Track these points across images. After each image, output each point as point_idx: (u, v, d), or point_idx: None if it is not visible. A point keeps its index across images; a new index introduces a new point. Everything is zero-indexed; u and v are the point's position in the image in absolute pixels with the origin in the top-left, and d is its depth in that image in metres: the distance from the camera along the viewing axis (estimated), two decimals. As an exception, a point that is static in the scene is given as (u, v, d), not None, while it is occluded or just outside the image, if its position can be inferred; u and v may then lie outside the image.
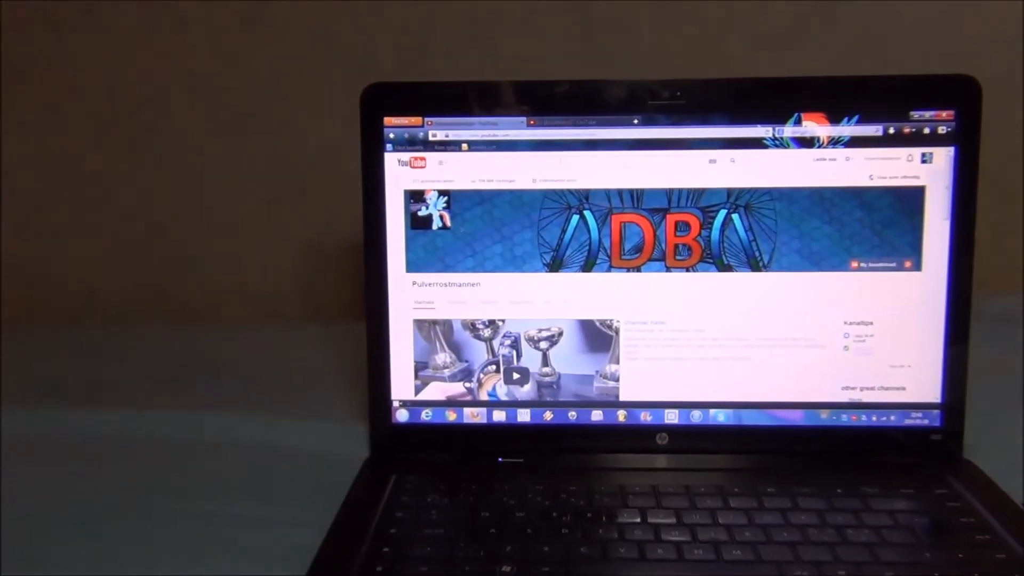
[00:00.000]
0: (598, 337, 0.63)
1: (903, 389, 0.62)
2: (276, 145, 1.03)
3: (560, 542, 0.51)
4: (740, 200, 0.61)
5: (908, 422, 0.62)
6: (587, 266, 0.62)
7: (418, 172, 0.62)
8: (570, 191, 0.62)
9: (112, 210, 1.06)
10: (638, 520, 0.53)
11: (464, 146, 0.62)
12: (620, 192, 0.61)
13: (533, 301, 0.63)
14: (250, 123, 1.03)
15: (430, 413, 0.64)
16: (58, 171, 1.05)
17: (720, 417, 0.63)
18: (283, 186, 1.04)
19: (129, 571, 0.51)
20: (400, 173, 0.62)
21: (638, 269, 0.62)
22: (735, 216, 0.61)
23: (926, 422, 0.62)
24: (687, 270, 0.62)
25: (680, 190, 0.61)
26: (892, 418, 0.62)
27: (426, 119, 0.61)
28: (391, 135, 0.62)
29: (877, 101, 0.60)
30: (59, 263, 1.07)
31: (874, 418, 0.62)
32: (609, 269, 0.62)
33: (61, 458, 0.67)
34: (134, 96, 1.03)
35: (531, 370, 0.63)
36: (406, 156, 0.62)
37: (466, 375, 0.64)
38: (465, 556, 0.50)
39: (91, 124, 1.04)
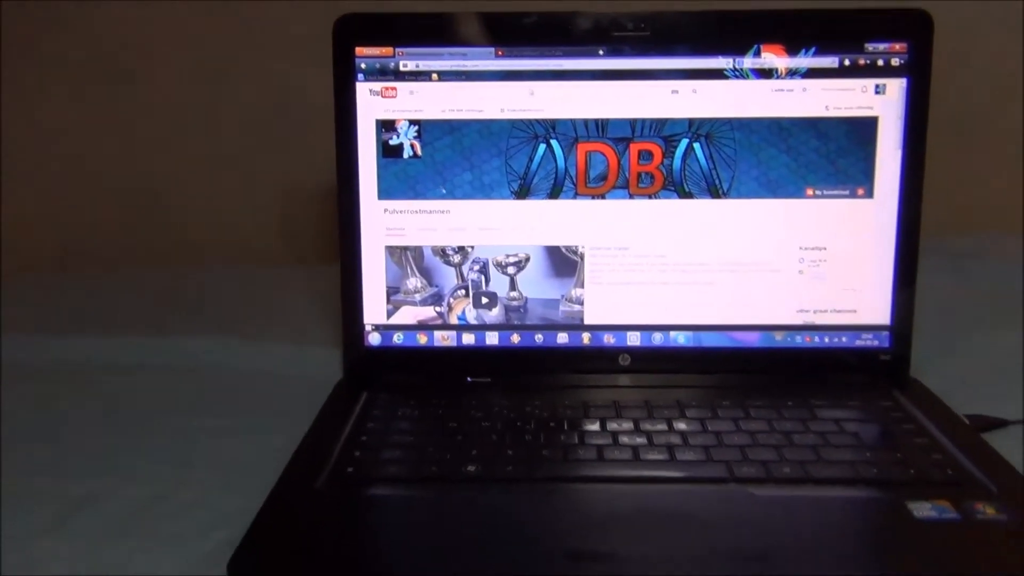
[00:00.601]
0: (564, 263, 0.65)
1: (854, 312, 0.64)
2: (252, 88, 1.04)
3: (523, 446, 0.54)
4: (701, 130, 0.63)
5: (858, 343, 0.65)
6: (553, 193, 0.64)
7: (389, 102, 0.64)
8: (537, 121, 0.64)
9: (90, 157, 1.07)
10: (598, 428, 0.56)
11: (434, 76, 0.63)
12: (586, 122, 0.64)
13: (501, 228, 0.65)
14: (225, 66, 1.04)
15: (401, 336, 0.66)
16: (35, 120, 1.06)
17: (680, 339, 0.66)
18: (260, 129, 1.05)
19: (119, 474, 0.54)
20: (371, 103, 0.64)
21: (603, 196, 0.64)
22: (696, 145, 0.63)
23: (875, 343, 0.65)
24: (650, 197, 0.64)
25: (643, 120, 0.63)
26: (843, 339, 0.65)
27: (397, 49, 0.63)
28: (362, 65, 0.64)
29: (833, 33, 0.62)
30: (38, 209, 1.08)
31: (826, 339, 0.65)
32: (575, 196, 0.64)
33: (51, 381, 0.69)
34: (110, 44, 1.03)
35: (499, 294, 0.66)
36: (377, 86, 0.64)
37: (436, 300, 0.66)
38: (433, 458, 0.52)
39: (68, 73, 1.05)
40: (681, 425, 0.56)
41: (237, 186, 1.07)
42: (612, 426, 0.56)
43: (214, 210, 1.08)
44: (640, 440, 0.54)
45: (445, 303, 0.66)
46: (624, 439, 0.54)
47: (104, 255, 1.08)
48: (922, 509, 0.46)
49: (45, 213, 1.08)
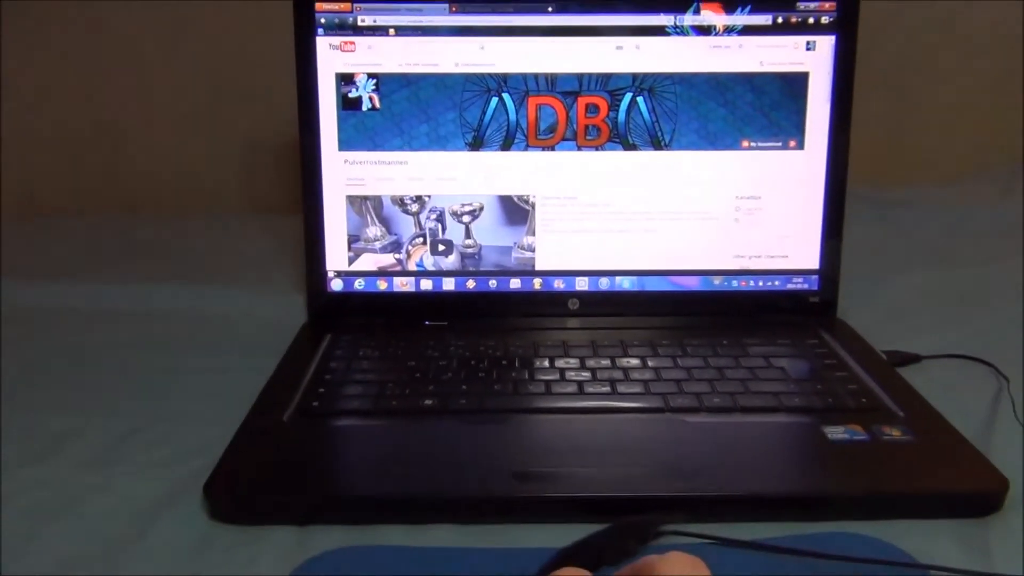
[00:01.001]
0: (516, 211, 0.69)
1: (786, 257, 0.69)
2: (216, 41, 1.05)
3: (477, 382, 0.58)
4: (644, 84, 0.67)
5: (790, 286, 0.69)
6: (505, 145, 0.68)
7: (348, 56, 0.66)
8: (489, 75, 0.67)
9: (53, 106, 1.07)
10: (547, 365, 0.60)
11: (391, 31, 0.66)
12: (536, 76, 0.67)
13: (456, 178, 0.68)
14: (188, 21, 1.05)
15: (363, 282, 0.70)
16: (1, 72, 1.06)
17: (625, 284, 0.70)
18: (224, 81, 1.07)
19: (92, 409, 0.57)
20: (331, 57, 0.66)
21: (552, 148, 0.68)
22: (640, 99, 0.67)
23: (805, 286, 0.69)
24: (596, 149, 0.68)
25: (590, 75, 0.67)
26: (776, 283, 0.69)
27: (355, 4, 0.66)
28: (322, 20, 0.66)
29: (768, -8, 0.66)
30: (3, 161, 1.08)
31: (760, 283, 0.69)
32: (526, 148, 0.68)
33: (18, 325, 0.71)
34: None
35: (455, 242, 0.69)
36: (336, 40, 0.66)
37: (395, 247, 0.69)
38: (392, 394, 0.56)
39: (31, 27, 1.05)
40: (623, 362, 0.61)
41: (200, 137, 1.09)
42: (560, 363, 0.60)
43: (177, 160, 1.09)
44: (585, 376, 0.58)
45: (404, 250, 0.69)
46: (571, 375, 0.59)
47: (68, 204, 1.09)
48: (836, 432, 0.51)
49: (7, 161, 1.08)
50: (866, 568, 0.40)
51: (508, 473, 0.47)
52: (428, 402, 0.55)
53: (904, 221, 0.90)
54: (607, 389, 0.57)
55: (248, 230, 0.96)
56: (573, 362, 0.60)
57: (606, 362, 0.60)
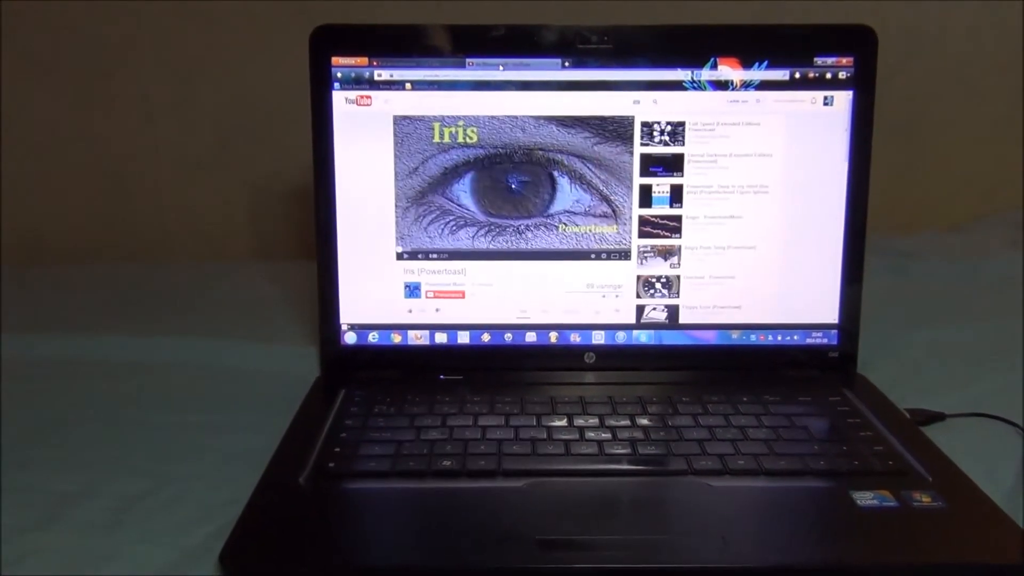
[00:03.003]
0: (532, 265, 0.68)
1: (805, 311, 0.68)
2: (225, 88, 1.06)
3: (495, 442, 0.57)
4: (661, 138, 0.67)
5: (809, 341, 0.69)
6: (522, 198, 0.67)
7: (364, 110, 0.66)
8: (506, 129, 0.66)
9: (60, 152, 1.07)
10: (565, 424, 0.59)
11: (408, 85, 0.66)
12: (552, 130, 0.66)
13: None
14: (199, 67, 1.05)
15: (376, 336, 0.69)
16: (5, 115, 1.06)
17: (642, 338, 0.69)
18: (233, 128, 1.07)
19: (99, 469, 0.56)
20: (347, 111, 0.66)
21: (568, 202, 0.67)
22: (657, 153, 0.67)
23: (824, 341, 0.69)
24: (613, 203, 0.67)
25: (607, 129, 0.66)
26: (795, 337, 0.69)
27: (372, 59, 0.66)
28: (338, 74, 0.66)
29: (784, 47, 0.66)
30: (7, 204, 1.08)
31: (779, 337, 0.69)
32: (542, 201, 0.67)
33: (23, 379, 0.70)
34: (83, 40, 1.04)
35: (470, 295, 0.68)
36: (353, 95, 0.66)
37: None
38: (409, 454, 0.55)
39: (40, 69, 1.05)
40: (643, 420, 0.60)
41: (209, 184, 1.08)
42: (578, 422, 0.59)
43: (186, 207, 1.09)
44: (605, 435, 0.57)
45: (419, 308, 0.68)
46: (590, 435, 0.57)
47: (74, 252, 1.09)
48: (864, 498, 0.50)
49: (14, 208, 1.08)
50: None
51: (532, 541, 0.46)
52: (446, 463, 0.54)
53: (917, 272, 0.90)
54: (628, 450, 0.56)
55: (257, 278, 0.95)
56: (592, 420, 0.59)
57: (625, 421, 0.59)
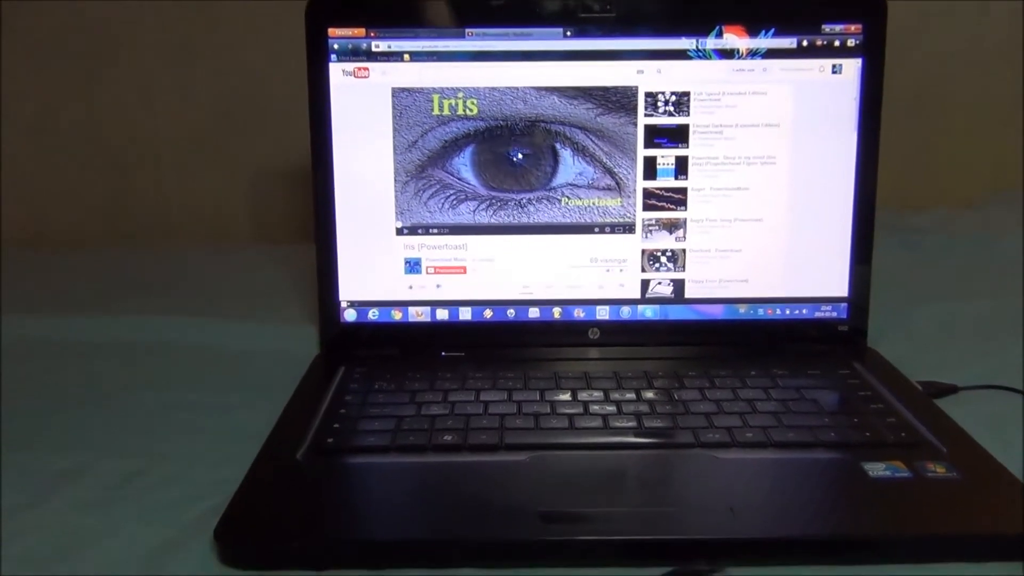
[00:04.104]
0: (534, 239, 0.67)
1: (814, 284, 0.67)
2: (224, 70, 1.05)
3: (497, 416, 0.55)
4: (666, 109, 0.65)
5: (818, 315, 0.67)
6: (523, 172, 0.66)
7: (362, 82, 0.65)
8: (507, 100, 0.65)
9: (60, 135, 1.06)
10: (569, 398, 0.58)
11: (406, 56, 0.65)
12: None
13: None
14: (197, 48, 1.04)
15: (376, 312, 0.68)
16: (4, 96, 1.05)
17: (648, 313, 0.68)
18: (232, 111, 1.06)
19: (96, 448, 0.55)
20: (344, 83, 0.65)
21: (571, 174, 0.66)
22: (661, 124, 0.65)
23: (834, 315, 0.67)
24: (617, 175, 0.66)
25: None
26: (804, 311, 0.67)
27: (369, 30, 0.64)
28: (335, 46, 0.64)
29: (791, 15, 0.64)
30: (7, 187, 1.07)
31: (787, 311, 0.67)
32: (544, 175, 0.66)
33: (24, 359, 0.69)
34: (83, 24, 1.03)
35: (472, 271, 0.67)
36: (350, 66, 0.65)
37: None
38: (410, 429, 0.54)
39: (40, 52, 1.04)
40: (649, 394, 0.58)
41: (207, 166, 1.07)
42: (583, 396, 0.58)
43: (184, 190, 1.08)
44: (610, 409, 0.56)
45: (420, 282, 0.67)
46: (595, 408, 0.56)
47: (74, 235, 1.08)
48: (876, 469, 0.49)
49: (13, 192, 1.07)
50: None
51: (534, 514, 0.45)
52: (447, 438, 0.53)
53: (929, 247, 0.88)
54: (633, 424, 0.54)
55: (257, 261, 0.94)
56: (597, 395, 0.58)
57: (631, 395, 0.58)
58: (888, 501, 0.46)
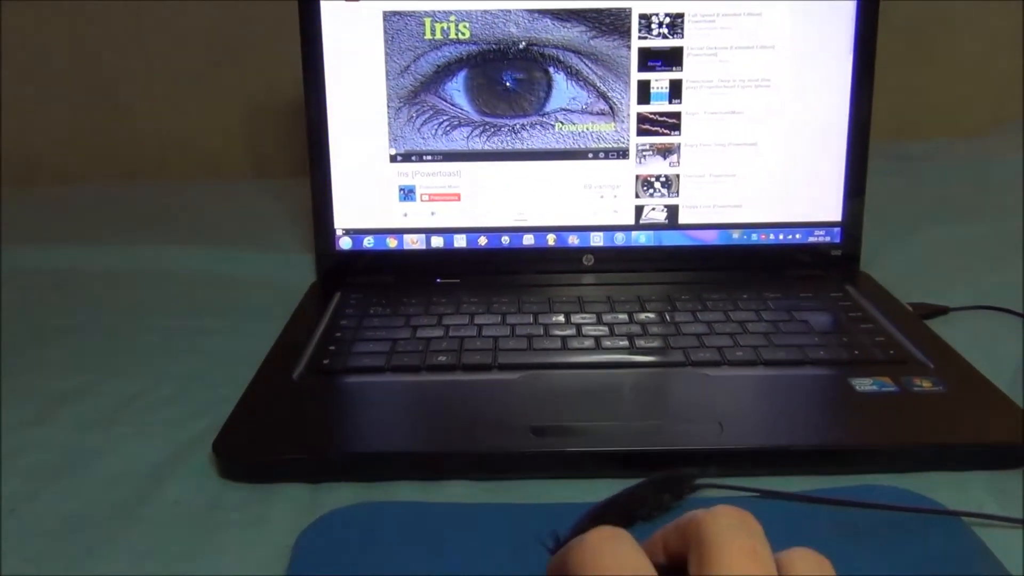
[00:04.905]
0: (528, 166, 0.67)
1: (808, 209, 0.67)
2: (214, 4, 1.03)
3: (490, 338, 0.56)
4: (660, 32, 0.65)
5: (811, 239, 0.67)
6: (517, 97, 0.65)
7: (352, 7, 0.64)
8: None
9: (51, 71, 1.06)
10: (562, 320, 0.58)
11: (397, -20, 0.64)
12: (547, 25, 0.64)
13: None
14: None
15: (372, 240, 0.68)
16: (3, 39, 1.04)
17: (641, 239, 0.68)
18: (226, 44, 1.05)
19: (97, 370, 0.56)
20: (335, 12, 0.64)
21: (565, 99, 0.66)
22: (655, 47, 0.65)
23: (827, 239, 0.67)
24: (611, 100, 0.66)
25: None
26: (797, 236, 0.67)
27: (359, -47, 0.63)
28: (326, -31, 0.64)
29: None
30: (6, 128, 1.07)
31: (781, 236, 0.67)
32: (538, 100, 0.66)
33: (27, 287, 0.70)
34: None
35: (466, 198, 0.67)
36: (341, -9, 0.64)
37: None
38: (404, 351, 0.55)
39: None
40: (641, 317, 0.59)
41: (202, 101, 1.07)
42: (576, 319, 0.59)
43: (178, 125, 1.08)
44: (602, 330, 0.57)
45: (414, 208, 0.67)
46: (587, 330, 0.57)
47: (71, 172, 1.08)
48: (864, 384, 0.49)
49: (6, 127, 1.07)
50: (903, 517, 0.39)
51: (526, 428, 0.46)
52: (441, 358, 0.53)
53: (926, 175, 0.88)
54: (625, 344, 0.55)
55: (253, 194, 0.94)
56: (589, 318, 0.59)
57: (623, 317, 0.59)
58: (874, 413, 0.47)
